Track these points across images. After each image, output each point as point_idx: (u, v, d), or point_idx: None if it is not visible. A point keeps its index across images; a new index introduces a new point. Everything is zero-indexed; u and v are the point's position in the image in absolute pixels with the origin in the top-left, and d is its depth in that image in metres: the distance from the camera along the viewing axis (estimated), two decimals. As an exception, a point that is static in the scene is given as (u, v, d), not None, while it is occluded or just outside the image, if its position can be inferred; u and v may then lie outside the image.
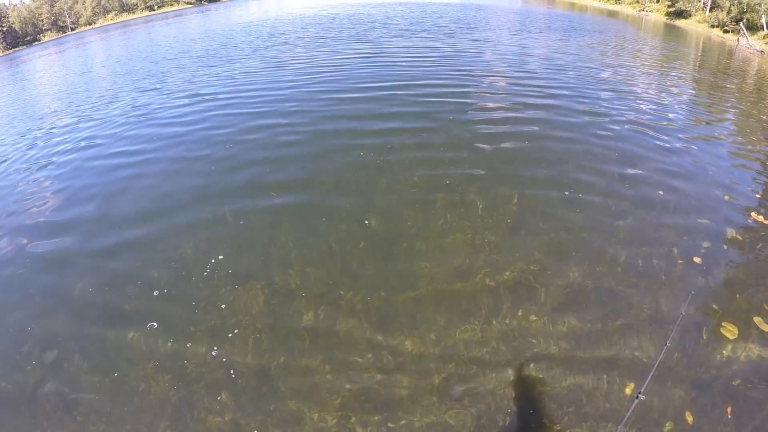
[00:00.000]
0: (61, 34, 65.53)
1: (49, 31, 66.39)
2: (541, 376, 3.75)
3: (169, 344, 4.24)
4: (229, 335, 4.29)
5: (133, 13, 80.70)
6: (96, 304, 4.84)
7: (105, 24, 72.16)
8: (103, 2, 76.61)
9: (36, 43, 60.53)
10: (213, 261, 5.26)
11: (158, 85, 14.47)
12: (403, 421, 3.47)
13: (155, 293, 4.87)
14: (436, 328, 4.25)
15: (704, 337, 4.05)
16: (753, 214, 5.99)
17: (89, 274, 5.32)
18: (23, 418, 3.73)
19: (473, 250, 5.24)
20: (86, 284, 5.12)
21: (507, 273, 4.87)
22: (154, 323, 4.49)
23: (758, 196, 6.55)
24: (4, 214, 7.08)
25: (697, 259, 5.05)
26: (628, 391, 3.59)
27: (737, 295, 4.53)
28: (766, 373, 3.74)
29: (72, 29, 68.34)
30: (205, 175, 7.42)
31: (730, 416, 3.41)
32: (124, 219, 6.40)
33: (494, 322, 4.29)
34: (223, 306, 4.62)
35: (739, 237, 5.48)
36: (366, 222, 5.84)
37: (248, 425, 3.51)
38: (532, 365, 3.85)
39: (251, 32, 26.38)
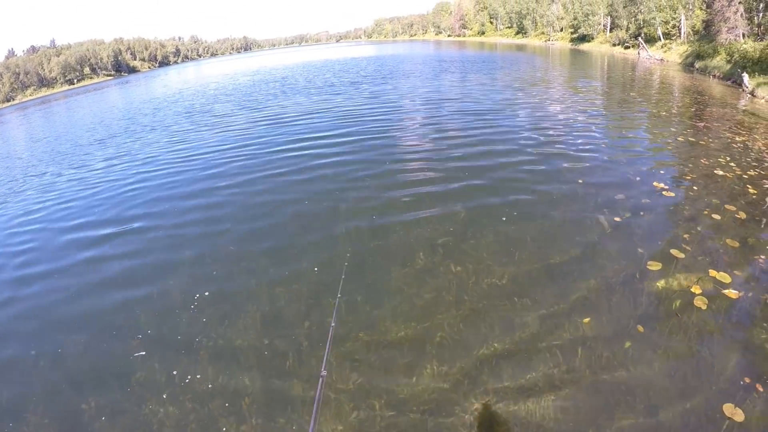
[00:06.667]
0: (-23, 113, 61.41)
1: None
2: (507, 324, 4.41)
3: (176, 374, 4.34)
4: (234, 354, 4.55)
5: (53, 87, 78.04)
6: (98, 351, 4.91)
7: (24, 100, 69.12)
8: (21, 78, 73.70)
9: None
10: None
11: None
12: (406, 379, 3.94)
13: (148, 332, 5.01)
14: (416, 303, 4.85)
15: (637, 273, 5.01)
16: (655, 183, 7.45)
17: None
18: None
19: (432, 249, 5.98)
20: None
21: (469, 264, 5.56)
22: (155, 357, 4.60)
23: (662, 172, 8.01)
24: None
25: (617, 219, 6.26)
26: (586, 320, 4.37)
27: (658, 241, 5.63)
28: (684, 284, 4.77)
29: (-11, 106, 64.52)
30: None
31: (677, 314, 4.33)
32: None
33: (469, 282, 5.06)
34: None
35: (649, 202, 6.77)
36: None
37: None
38: (499, 314, 4.55)
39: (166, 110, 24.07)
